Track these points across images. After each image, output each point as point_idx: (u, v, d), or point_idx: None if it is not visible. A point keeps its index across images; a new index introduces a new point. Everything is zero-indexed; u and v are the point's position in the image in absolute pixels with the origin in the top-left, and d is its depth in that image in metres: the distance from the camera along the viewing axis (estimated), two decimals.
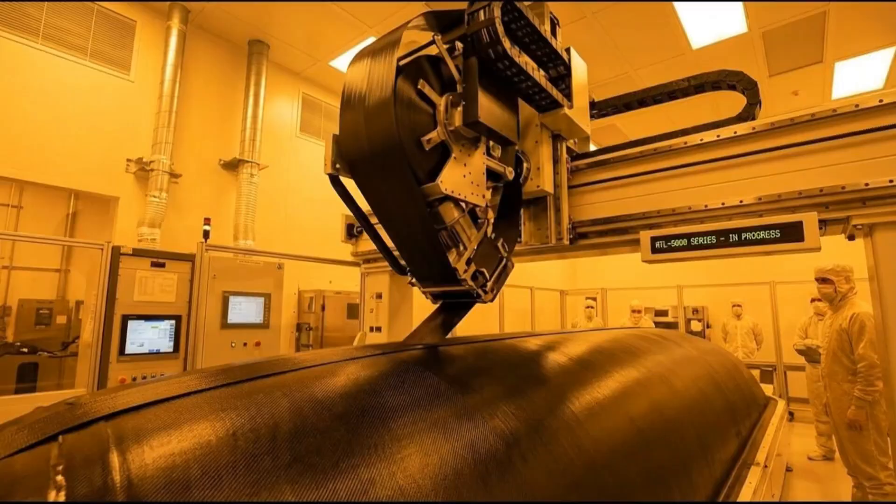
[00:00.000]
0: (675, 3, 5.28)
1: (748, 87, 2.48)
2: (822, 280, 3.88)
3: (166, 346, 4.04)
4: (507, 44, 1.59)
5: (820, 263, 3.92)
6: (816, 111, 2.02)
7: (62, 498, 0.63)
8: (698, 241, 2.20)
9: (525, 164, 2.25)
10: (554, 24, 2.30)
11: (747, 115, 2.37)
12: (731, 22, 5.60)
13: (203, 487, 0.69)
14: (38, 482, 0.65)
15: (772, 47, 6.10)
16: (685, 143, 2.33)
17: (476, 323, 8.34)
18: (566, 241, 2.50)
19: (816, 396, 5.32)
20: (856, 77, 6.82)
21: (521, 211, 2.39)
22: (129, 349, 3.81)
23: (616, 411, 1.57)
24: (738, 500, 1.86)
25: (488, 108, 1.62)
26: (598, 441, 1.33)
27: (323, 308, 6.01)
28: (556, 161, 2.45)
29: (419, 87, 1.52)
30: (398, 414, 1.00)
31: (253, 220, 5.70)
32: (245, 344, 4.53)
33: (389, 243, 1.80)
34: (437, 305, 1.88)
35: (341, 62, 6.49)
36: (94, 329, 3.62)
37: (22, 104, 4.46)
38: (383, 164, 1.39)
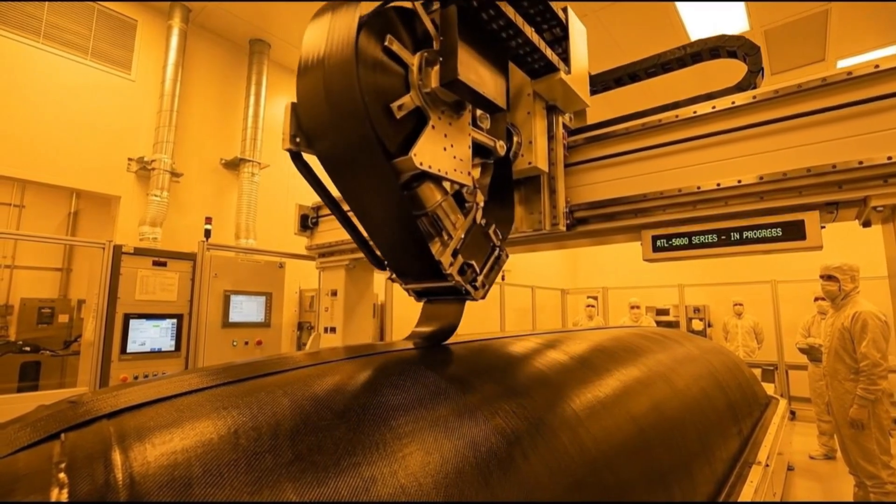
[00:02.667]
0: (677, 3, 5.27)
1: (750, 52, 2.21)
2: (827, 277, 3.87)
3: (168, 344, 4.04)
4: None
5: (823, 262, 3.91)
6: (828, 75, 1.73)
7: (64, 495, 0.63)
8: (699, 240, 2.20)
9: (515, 139, 1.99)
10: None
11: (748, 84, 2.10)
12: (732, 20, 5.59)
13: (205, 485, 0.69)
14: (40, 480, 0.65)
15: (773, 45, 6.08)
16: (676, 116, 2.07)
17: (476, 322, 8.33)
18: (562, 228, 2.20)
19: (818, 395, 5.31)
20: None
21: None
22: (131, 348, 3.81)
23: (617, 410, 1.57)
24: (740, 499, 1.86)
25: (471, 66, 1.37)
26: (599, 440, 1.33)
27: (311, 306, 6.02)
28: (551, 136, 2.14)
29: (387, 43, 1.27)
30: (399, 412, 1.00)
31: (254, 219, 5.71)
32: (246, 343, 4.54)
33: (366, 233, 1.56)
34: (423, 304, 1.64)
35: None
36: (95, 328, 3.63)
37: (24, 104, 4.46)
38: (347, 136, 1.18)
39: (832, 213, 1.81)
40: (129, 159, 5.08)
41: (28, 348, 4.63)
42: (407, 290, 1.59)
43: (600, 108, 2.58)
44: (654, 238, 2.29)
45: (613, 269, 11.01)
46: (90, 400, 0.90)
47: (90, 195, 5.22)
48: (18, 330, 5.26)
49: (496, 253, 1.60)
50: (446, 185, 1.45)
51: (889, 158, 1.61)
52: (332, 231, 3.63)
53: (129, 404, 0.86)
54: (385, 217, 1.32)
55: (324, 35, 1.21)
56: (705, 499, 1.76)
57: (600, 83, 2.67)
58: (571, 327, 7.90)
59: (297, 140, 1.31)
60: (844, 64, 6.48)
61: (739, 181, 1.91)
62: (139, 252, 3.96)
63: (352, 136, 1.18)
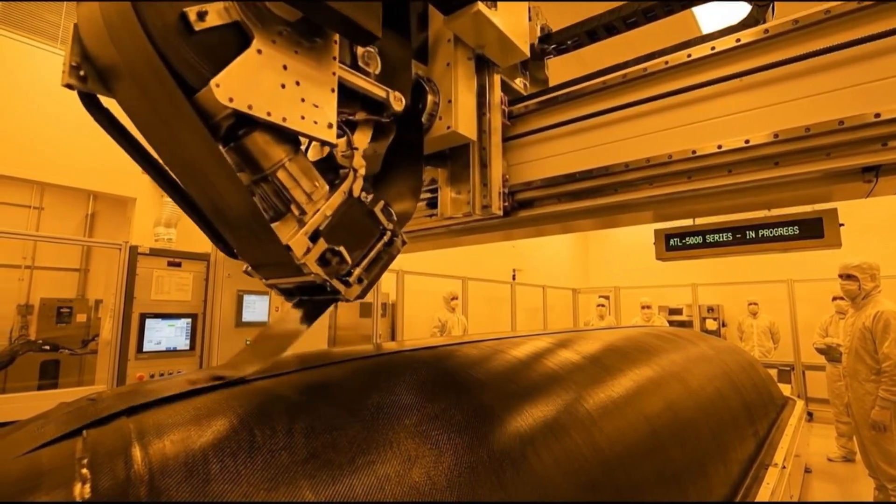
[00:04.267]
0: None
1: None
2: (846, 276, 3.80)
3: (183, 343, 4.10)
4: None
5: (841, 261, 3.84)
6: None
7: (87, 490, 0.64)
8: (713, 239, 2.17)
9: (430, 97, 1.56)
10: None
11: (754, 21, 1.64)
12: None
13: (222, 481, 0.70)
14: (64, 475, 0.67)
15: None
16: (666, 62, 1.63)
17: (488, 321, 8.33)
18: (497, 211, 1.73)
19: (837, 396, 5.22)
20: None
21: (429, 168, 1.73)
22: (147, 347, 3.88)
23: (631, 410, 1.55)
24: (756, 499, 1.83)
25: None
26: (612, 440, 1.32)
27: (335, 307, 6.06)
28: (482, 98, 1.69)
29: None
30: (413, 411, 1.00)
31: None
32: None
33: None
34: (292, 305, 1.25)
35: None
36: (112, 327, 3.70)
37: (42, 108, 4.56)
38: (132, 64, 0.87)
39: (870, 183, 1.38)
40: None
41: (48, 347, 4.73)
42: (270, 286, 1.23)
43: (572, 71, 1.97)
44: (668, 237, 2.27)
45: (625, 268, 10.93)
46: (110, 397, 0.92)
47: (107, 197, 5.32)
48: (38, 329, 5.39)
49: (384, 238, 1.18)
50: (315, 147, 1.08)
51: None
52: None
53: (148, 401, 0.88)
54: (210, 186, 0.96)
55: None
56: (721, 499, 1.74)
57: (569, 38, 2.12)
58: (583, 327, 7.86)
59: (82, 73, 0.97)
60: None
61: (747, 141, 1.45)
62: (154, 253, 4.02)
63: (137, 65, 0.86)
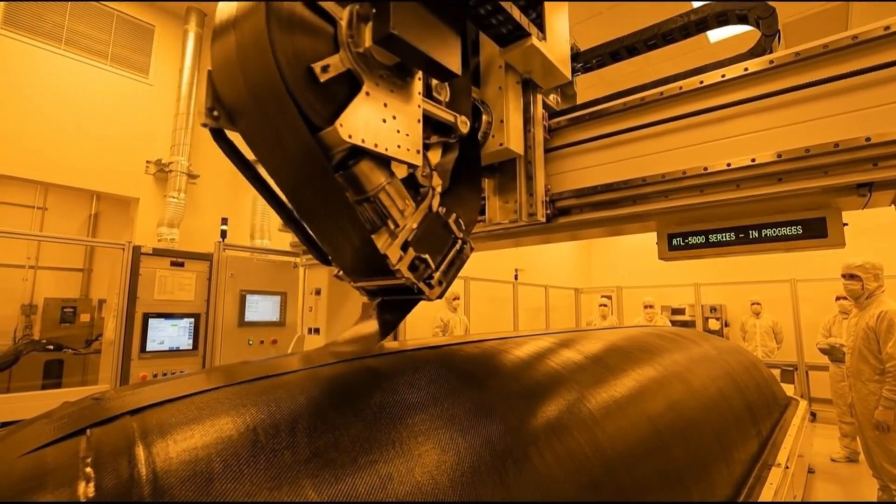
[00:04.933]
0: (693, 2, 5.20)
1: (763, 15, 1.93)
2: (849, 276, 3.78)
3: (186, 343, 4.12)
4: None
5: (845, 261, 3.82)
6: (860, 31, 1.47)
7: (91, 489, 0.65)
8: (716, 238, 2.16)
9: (485, 117, 1.75)
10: None
11: (762, 49, 1.85)
12: None
13: (226, 480, 0.70)
14: (68, 474, 0.67)
15: (792, 39, 5.96)
16: (680, 87, 1.82)
17: (489, 321, 8.32)
18: (541, 218, 1.96)
19: (840, 396, 5.19)
20: None
21: (484, 179, 1.91)
22: (150, 346, 3.89)
23: (633, 410, 1.55)
24: (759, 499, 1.83)
25: (412, 20, 1.14)
26: (615, 439, 1.32)
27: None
28: (528, 116, 1.90)
29: None
30: (415, 411, 1.01)
31: (268, 219, 5.78)
32: (262, 342, 4.59)
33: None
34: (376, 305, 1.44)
35: None
36: (116, 327, 3.71)
37: (45, 108, 4.58)
38: (264, 107, 1.02)
39: (864, 197, 1.54)
40: (147, 162, 5.18)
41: (51, 346, 4.75)
42: (357, 288, 1.41)
43: (595, 88, 2.34)
44: (670, 236, 2.26)
45: (628, 268, 10.90)
46: (114, 397, 0.92)
47: (110, 197, 5.34)
48: (42, 329, 5.41)
49: (458, 246, 1.39)
50: (403, 169, 1.27)
51: None
52: None
53: (152, 401, 0.88)
54: (320, 204, 1.13)
55: None
56: (724, 500, 1.73)
57: (594, 58, 2.36)
58: (585, 327, 7.85)
59: (216, 114, 1.12)
60: None
61: (753, 160, 1.63)
62: (157, 253, 4.04)
63: (270, 107, 1.01)
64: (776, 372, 6.44)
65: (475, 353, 1.55)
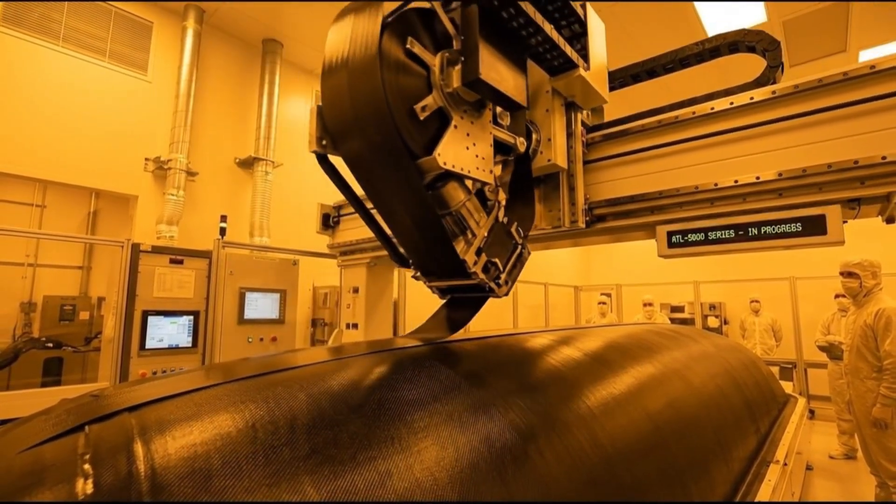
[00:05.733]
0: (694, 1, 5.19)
1: (769, 47, 2.17)
2: (847, 274, 3.79)
3: (185, 341, 4.12)
4: None
5: (843, 258, 3.83)
6: (850, 69, 1.71)
7: (90, 486, 0.64)
8: (716, 236, 2.15)
9: (535, 136, 1.99)
10: None
11: (767, 79, 2.09)
12: (749, 11, 5.48)
13: (224, 477, 0.70)
14: (66, 470, 0.67)
15: (792, 37, 5.95)
16: (693, 112, 2.06)
17: (489, 319, 8.32)
18: (581, 225, 2.21)
19: (838, 394, 5.21)
20: None
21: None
22: (150, 344, 3.89)
23: (632, 407, 1.55)
24: (758, 498, 1.83)
25: (492, 64, 1.38)
26: (614, 437, 1.32)
27: (337, 304, 6.07)
28: (569, 133, 2.15)
29: (408, 46, 1.29)
30: (414, 407, 1.00)
31: (268, 216, 5.77)
32: (261, 339, 4.60)
33: (389, 231, 1.57)
34: (445, 301, 1.70)
35: None
36: (115, 324, 3.71)
37: (44, 105, 4.57)
38: (372, 138, 1.20)
39: (854, 210, 1.77)
40: (146, 159, 5.16)
41: (51, 344, 4.75)
42: (431, 287, 1.63)
43: (618, 104, 2.48)
44: (670, 234, 2.26)
45: (627, 266, 10.90)
46: (112, 394, 0.92)
47: (109, 195, 5.32)
48: (41, 326, 5.41)
49: (518, 250, 1.64)
50: (469, 183, 1.46)
51: None
52: (353, 230, 3.70)
53: (150, 398, 0.88)
54: (410, 217, 1.34)
55: (347, 37, 1.23)
56: (722, 497, 1.74)
57: (617, 80, 2.63)
58: (584, 325, 7.85)
59: (324, 142, 1.34)
60: (867, 54, 6.32)
61: (758, 178, 1.88)
62: (156, 250, 4.03)
63: (377, 138, 1.19)
64: (775, 369, 6.46)
65: (475, 349, 1.55)
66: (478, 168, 1.44)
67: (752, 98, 1.91)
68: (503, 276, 1.52)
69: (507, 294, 1.55)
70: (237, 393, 0.94)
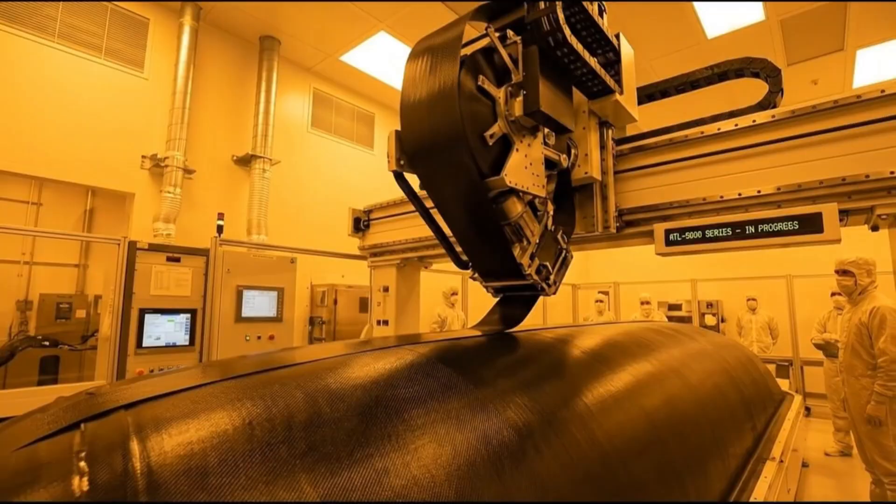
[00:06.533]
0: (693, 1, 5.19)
1: (771, 74, 2.42)
2: (842, 272, 3.80)
3: (182, 339, 4.11)
4: (567, 31, 1.60)
5: (839, 256, 3.84)
6: (840, 98, 1.94)
7: (85, 483, 0.64)
8: (713, 234, 2.16)
9: (574, 151, 2.21)
10: (601, 9, 2.17)
11: (768, 102, 2.33)
12: (747, 10, 5.48)
13: (221, 474, 0.70)
14: (61, 468, 0.67)
15: (790, 35, 5.95)
16: (701, 132, 2.29)
17: None
18: (613, 230, 2.46)
19: (834, 391, 5.23)
20: (879, 65, 6.62)
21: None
22: (146, 342, 3.88)
23: (629, 405, 1.56)
24: (754, 494, 1.84)
25: (547, 96, 1.59)
26: (611, 434, 1.33)
27: (335, 302, 6.06)
28: (602, 147, 2.40)
29: (479, 82, 1.51)
30: (412, 405, 1.00)
31: (265, 214, 5.76)
32: (259, 337, 4.59)
33: (449, 235, 1.78)
34: (498, 299, 1.94)
35: (352, 57, 6.50)
36: (112, 323, 3.70)
37: (39, 102, 4.54)
38: (448, 159, 1.40)
39: (843, 220, 1.98)
40: (143, 156, 5.14)
41: (47, 343, 4.73)
42: (487, 287, 1.86)
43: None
44: (667, 232, 2.27)
45: (625, 264, 10.91)
46: (108, 391, 0.92)
47: (105, 192, 5.30)
48: (38, 325, 5.39)
49: (563, 254, 1.88)
50: (524, 197, 1.65)
51: (892, 172, 1.82)
52: (383, 233, 3.96)
53: (146, 396, 0.88)
54: (475, 226, 1.54)
55: (426, 71, 1.43)
56: (719, 494, 1.74)
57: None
58: (582, 322, 7.86)
59: (402, 162, 1.55)
60: (864, 53, 6.33)
61: (759, 192, 2.11)
62: (153, 248, 4.02)
63: (454, 160, 1.39)
64: (772, 367, 6.48)
65: (473, 347, 1.55)
66: (534, 184, 1.66)
67: (754, 121, 2.15)
68: (552, 276, 1.73)
69: (555, 293, 1.77)
70: (234, 390, 0.93)
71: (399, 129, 1.54)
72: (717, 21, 5.67)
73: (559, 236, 1.86)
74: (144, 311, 3.88)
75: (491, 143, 1.51)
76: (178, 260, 4.12)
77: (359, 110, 7.51)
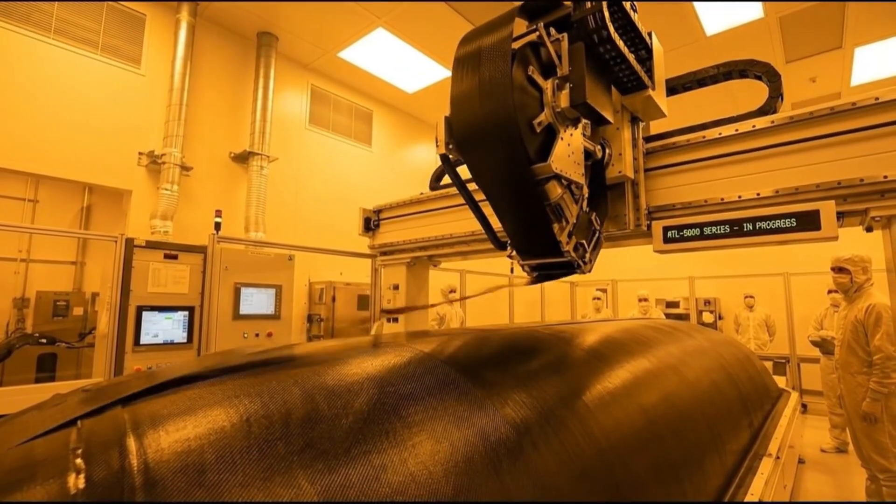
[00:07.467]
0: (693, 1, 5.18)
1: (772, 79, 2.51)
2: (838, 269, 3.81)
3: (180, 336, 4.10)
4: (611, 29, 1.71)
5: (836, 254, 3.85)
6: (836, 104, 2.03)
7: (81, 480, 0.64)
8: (711, 231, 2.17)
9: (607, 150, 2.27)
10: (633, 8, 2.27)
11: (769, 108, 2.41)
12: (746, 7, 5.47)
13: (218, 471, 0.70)
14: (57, 465, 0.66)
15: (789, 33, 5.95)
16: (703, 136, 2.37)
17: (485, 313, 8.34)
18: (644, 228, 2.50)
19: (830, 388, 5.25)
20: (876, 63, 6.62)
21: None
22: (144, 340, 3.87)
23: (627, 402, 1.56)
24: (751, 490, 1.85)
25: (591, 89, 1.70)
26: (609, 431, 1.33)
27: (333, 299, 6.06)
28: (633, 144, 2.45)
29: (529, 73, 1.62)
30: (409, 402, 1.00)
31: (263, 211, 5.74)
32: (257, 334, 4.59)
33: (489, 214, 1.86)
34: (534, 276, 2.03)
35: (349, 53, 6.47)
36: (109, 320, 3.69)
37: (35, 99, 4.51)
38: (498, 145, 1.48)
39: (839, 222, 2.05)
40: (140, 153, 5.12)
41: (44, 340, 4.72)
42: (524, 265, 1.94)
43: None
44: (665, 229, 2.27)
45: (623, 261, 10.88)
46: (105, 388, 0.92)
47: (102, 189, 5.28)
48: (35, 322, 5.37)
49: (597, 235, 1.97)
50: (564, 181, 1.73)
51: (885, 177, 1.90)
52: (392, 232, 4.02)
53: (143, 392, 0.87)
54: (519, 207, 1.64)
55: (477, 61, 1.51)
56: (715, 490, 1.75)
57: None
58: (580, 320, 7.87)
59: (450, 146, 1.64)
60: (862, 51, 6.34)
61: (758, 194, 2.18)
62: (151, 245, 4.00)
63: (504, 145, 1.47)
64: (769, 364, 6.50)
65: (471, 344, 1.55)
66: (574, 171, 1.76)
67: (754, 126, 2.23)
68: (588, 254, 1.83)
69: (590, 270, 1.86)
70: (231, 387, 0.93)
71: (448, 115, 1.64)
72: (716, 18, 5.66)
73: (593, 218, 1.97)
74: (142, 308, 3.87)
75: (538, 131, 1.62)
76: (175, 257, 4.10)
77: (357, 107, 7.48)
